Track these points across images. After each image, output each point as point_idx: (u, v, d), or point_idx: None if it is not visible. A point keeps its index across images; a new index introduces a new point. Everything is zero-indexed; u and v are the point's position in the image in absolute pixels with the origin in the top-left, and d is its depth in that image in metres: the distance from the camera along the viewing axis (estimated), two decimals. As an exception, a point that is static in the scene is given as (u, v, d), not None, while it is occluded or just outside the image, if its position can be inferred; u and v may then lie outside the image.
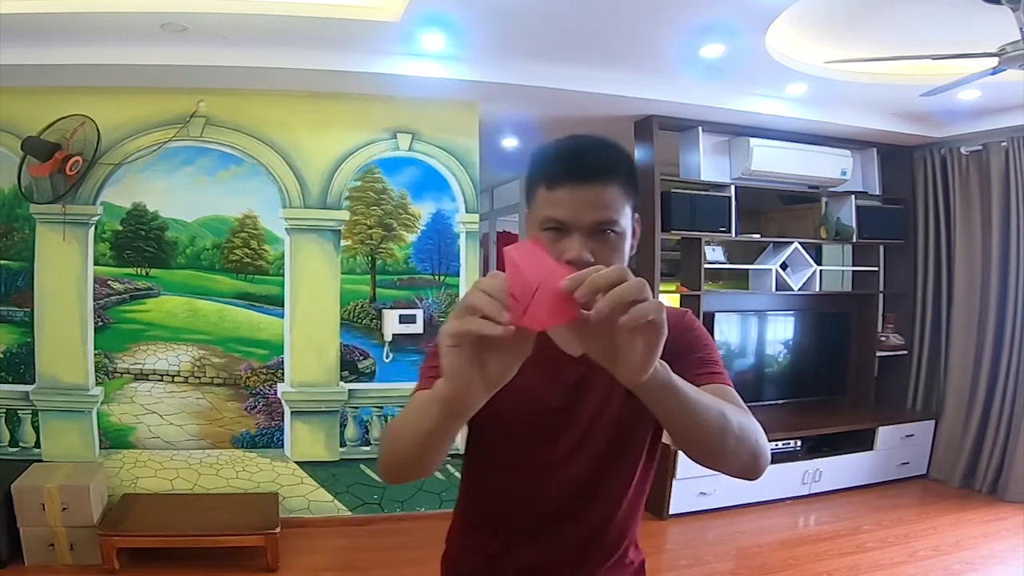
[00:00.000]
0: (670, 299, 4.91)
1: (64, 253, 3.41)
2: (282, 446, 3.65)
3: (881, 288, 4.82)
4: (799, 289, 4.39)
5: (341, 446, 3.71)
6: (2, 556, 3.00)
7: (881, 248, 4.80)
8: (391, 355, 3.76)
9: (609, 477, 1.06)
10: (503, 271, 0.74)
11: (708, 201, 4.12)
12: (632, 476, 1.09)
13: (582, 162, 0.97)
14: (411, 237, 3.77)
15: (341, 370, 3.69)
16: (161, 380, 3.53)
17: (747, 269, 4.51)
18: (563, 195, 0.96)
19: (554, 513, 1.08)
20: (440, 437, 0.82)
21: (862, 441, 4.32)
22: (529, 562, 1.11)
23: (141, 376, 3.51)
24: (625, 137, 4.18)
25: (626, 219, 1.00)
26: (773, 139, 4.18)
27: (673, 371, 0.81)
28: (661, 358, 0.75)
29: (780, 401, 4.55)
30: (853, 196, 4.55)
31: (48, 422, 3.44)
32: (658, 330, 0.70)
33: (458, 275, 3.84)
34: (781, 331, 4.65)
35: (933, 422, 4.54)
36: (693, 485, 3.85)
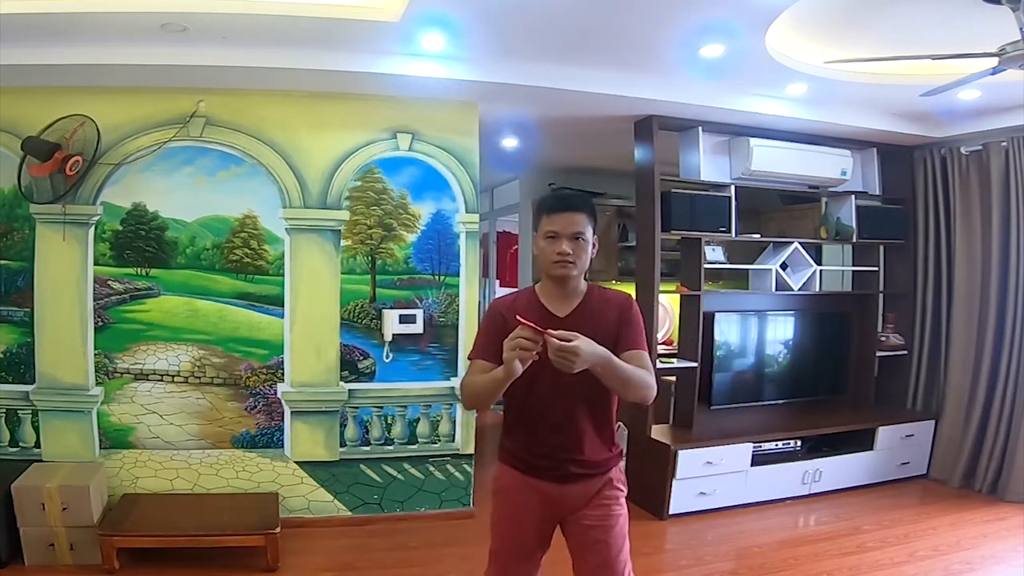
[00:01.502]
0: (670, 299, 5.02)
1: (64, 253, 3.41)
2: (282, 446, 3.65)
3: (881, 288, 4.82)
4: (799, 289, 4.39)
5: (341, 446, 3.71)
6: (2, 556, 3.00)
7: (881, 248, 4.79)
8: (391, 355, 3.76)
9: (585, 378, 1.70)
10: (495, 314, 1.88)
11: (708, 201, 4.12)
12: (602, 386, 1.78)
13: (566, 201, 1.86)
14: (411, 237, 3.77)
15: (341, 370, 3.69)
16: (161, 380, 3.53)
17: (747, 269, 4.51)
18: (557, 217, 1.82)
19: (565, 413, 1.86)
20: (500, 392, 1.71)
21: (862, 441, 4.33)
22: (547, 441, 1.88)
23: (141, 376, 3.51)
24: (625, 137, 4.18)
25: (589, 234, 1.84)
26: (773, 139, 4.17)
27: (620, 333, 1.83)
28: (601, 323, 1.81)
29: (780, 401, 4.55)
30: (853, 196, 4.55)
31: (48, 422, 3.44)
32: (568, 368, 1.59)
33: (458, 275, 3.84)
34: (781, 331, 4.64)
35: (933, 422, 4.55)
36: (693, 485, 3.85)
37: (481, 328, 1.91)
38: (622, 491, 1.94)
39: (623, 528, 1.91)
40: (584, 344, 1.60)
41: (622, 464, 1.97)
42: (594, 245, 1.86)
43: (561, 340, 1.58)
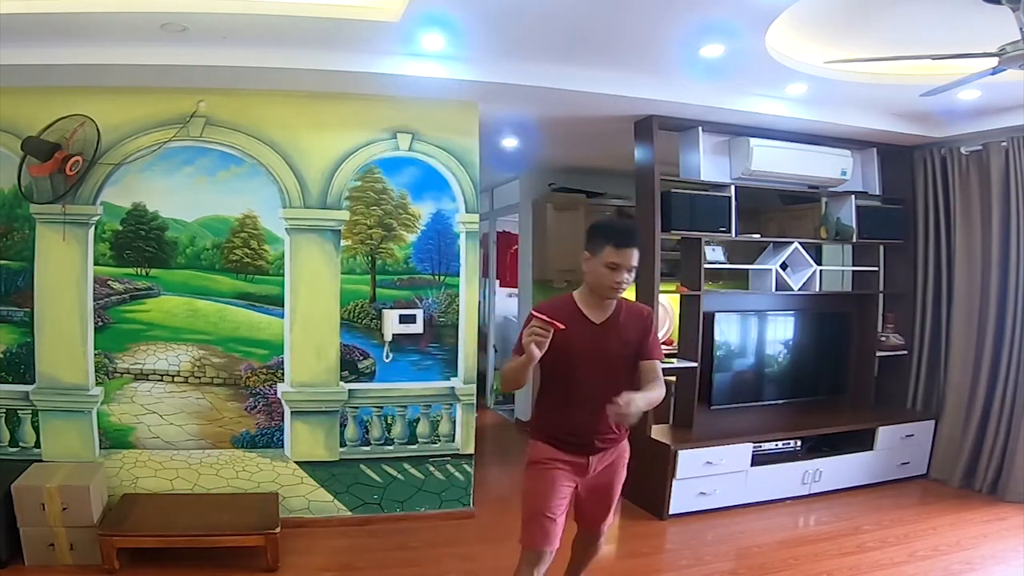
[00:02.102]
0: (670, 299, 5.04)
1: (64, 253, 3.41)
2: (282, 446, 3.65)
3: (881, 288, 4.82)
4: (799, 289, 4.39)
5: (341, 446, 3.71)
6: (2, 556, 3.00)
7: (881, 248, 4.79)
8: (391, 355, 3.76)
9: (613, 375, 2.25)
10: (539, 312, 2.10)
11: (708, 201, 4.12)
12: (624, 374, 2.28)
13: (631, 238, 2.21)
14: (411, 237, 3.77)
15: (341, 370, 3.70)
16: (161, 380, 3.53)
17: (747, 269, 4.51)
18: (623, 252, 2.18)
19: (594, 400, 2.19)
20: (526, 373, 2.11)
21: (862, 441, 4.33)
22: (579, 423, 2.31)
23: (141, 376, 3.51)
24: (625, 137, 4.18)
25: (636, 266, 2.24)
26: (773, 139, 4.18)
27: (642, 344, 2.29)
28: (629, 332, 2.30)
29: (780, 401, 4.56)
30: (853, 196, 4.55)
31: (48, 422, 3.44)
32: (631, 421, 2.12)
33: (458, 275, 3.84)
34: (781, 331, 4.64)
35: (933, 422, 4.55)
36: (693, 485, 3.85)
37: (523, 329, 2.25)
38: (627, 456, 2.50)
39: (621, 480, 2.50)
40: (634, 402, 2.08)
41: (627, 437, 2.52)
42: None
43: (622, 406, 2.05)
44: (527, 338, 2.03)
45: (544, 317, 2.03)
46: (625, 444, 2.47)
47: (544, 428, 2.38)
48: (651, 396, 2.20)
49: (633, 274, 2.23)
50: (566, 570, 2.68)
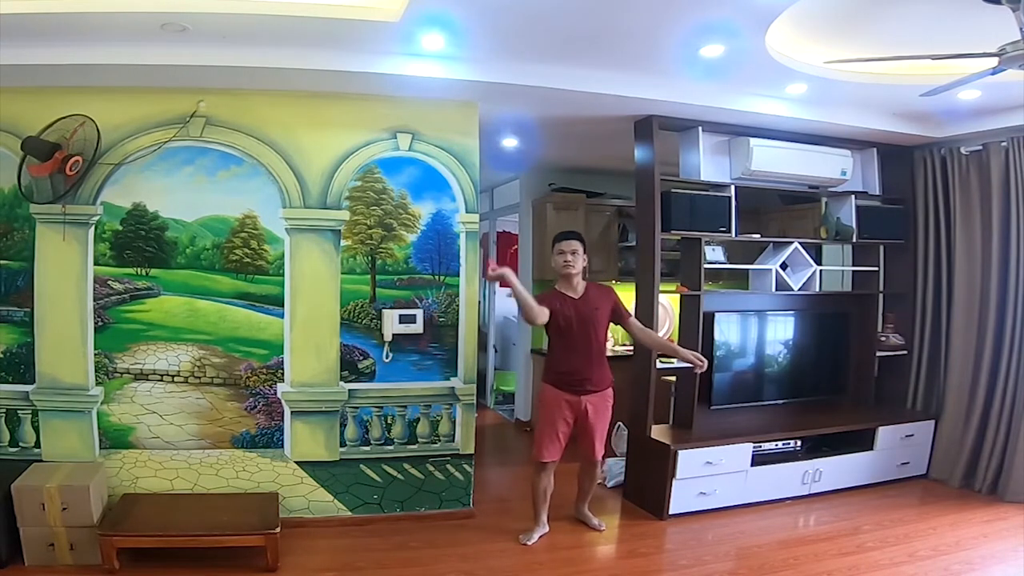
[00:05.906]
0: (670, 299, 5.08)
1: (64, 253, 3.41)
2: (282, 446, 3.65)
3: (881, 288, 4.82)
4: (799, 289, 4.39)
5: (341, 446, 3.71)
6: (2, 556, 3.00)
7: (881, 248, 4.80)
8: (391, 355, 3.76)
9: (597, 334, 3.39)
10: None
11: (708, 201, 4.12)
12: (600, 330, 3.41)
13: (564, 235, 3.46)
14: (411, 237, 3.77)
15: (341, 370, 3.70)
16: (161, 380, 3.53)
17: (747, 269, 4.51)
18: (561, 244, 3.42)
19: (584, 350, 3.37)
20: (526, 310, 3.25)
21: (862, 441, 4.33)
22: (574, 366, 3.36)
23: (141, 376, 3.52)
24: (625, 137, 4.18)
25: (580, 250, 3.40)
26: (773, 139, 4.18)
27: (609, 313, 3.45)
28: (599, 301, 3.45)
29: (780, 401, 4.56)
30: (853, 196, 4.55)
31: (48, 422, 3.44)
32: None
33: (458, 275, 3.84)
34: (781, 331, 4.64)
35: (933, 422, 4.55)
36: (693, 485, 3.85)
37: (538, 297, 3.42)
38: (610, 402, 3.49)
39: (607, 420, 3.48)
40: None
41: (611, 388, 3.49)
42: (584, 256, 3.41)
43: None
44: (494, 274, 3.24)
45: (493, 266, 3.22)
46: (609, 392, 3.47)
47: (551, 374, 3.43)
48: (651, 334, 3.60)
49: (578, 256, 3.36)
50: (576, 498, 3.70)
